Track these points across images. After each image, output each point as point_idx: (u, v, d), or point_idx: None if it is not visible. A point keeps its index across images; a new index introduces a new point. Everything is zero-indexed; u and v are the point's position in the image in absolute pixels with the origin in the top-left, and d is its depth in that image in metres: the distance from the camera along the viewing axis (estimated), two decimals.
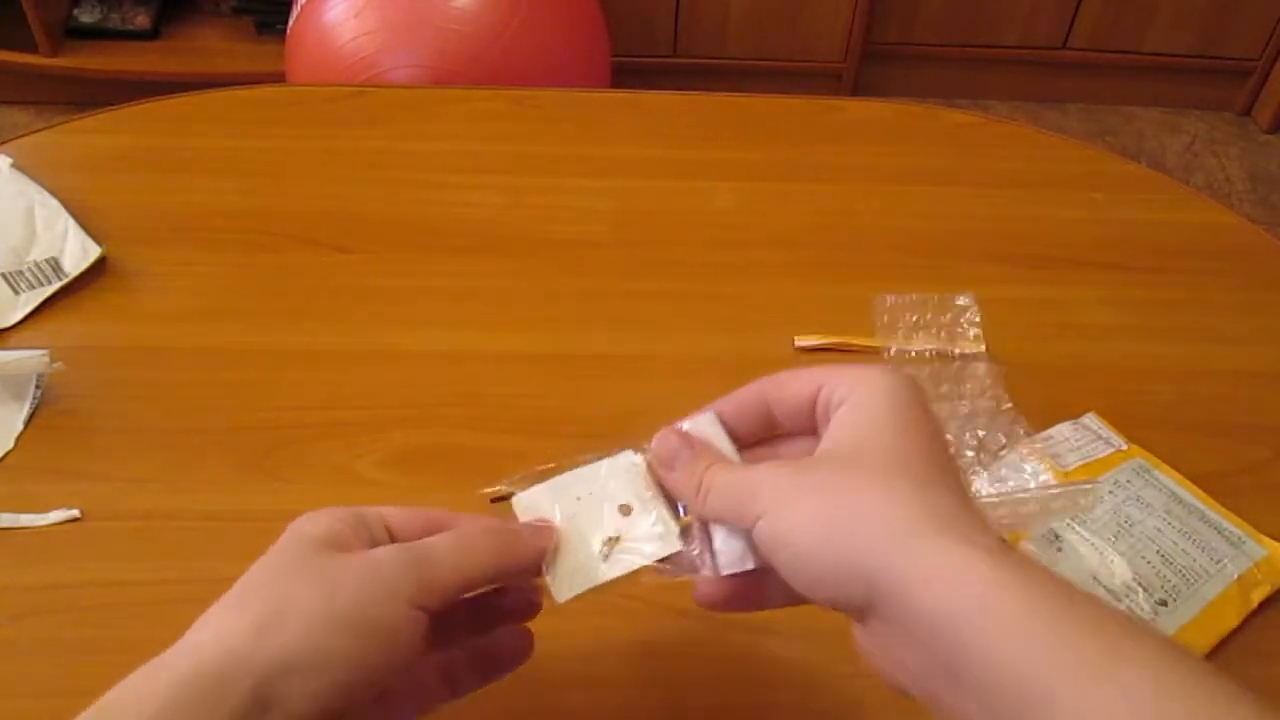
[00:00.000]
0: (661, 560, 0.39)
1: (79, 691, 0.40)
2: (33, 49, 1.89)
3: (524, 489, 0.41)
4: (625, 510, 0.40)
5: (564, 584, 0.38)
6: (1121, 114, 2.13)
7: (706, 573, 0.38)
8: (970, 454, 0.57)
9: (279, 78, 1.60)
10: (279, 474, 0.56)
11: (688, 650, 0.50)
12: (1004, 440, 0.58)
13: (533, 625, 0.43)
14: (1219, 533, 0.53)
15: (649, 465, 0.40)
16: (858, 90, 2.06)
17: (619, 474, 0.40)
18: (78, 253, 0.67)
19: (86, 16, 1.94)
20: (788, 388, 0.37)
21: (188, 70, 1.88)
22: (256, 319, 0.65)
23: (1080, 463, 0.56)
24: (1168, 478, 0.55)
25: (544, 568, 0.38)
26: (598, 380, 0.62)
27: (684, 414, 0.39)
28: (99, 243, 0.67)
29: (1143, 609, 0.49)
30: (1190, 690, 0.27)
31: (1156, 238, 0.74)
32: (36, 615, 0.50)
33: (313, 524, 0.36)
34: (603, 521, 0.39)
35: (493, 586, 0.39)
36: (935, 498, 0.32)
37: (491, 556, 0.37)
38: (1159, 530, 0.52)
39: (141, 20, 1.94)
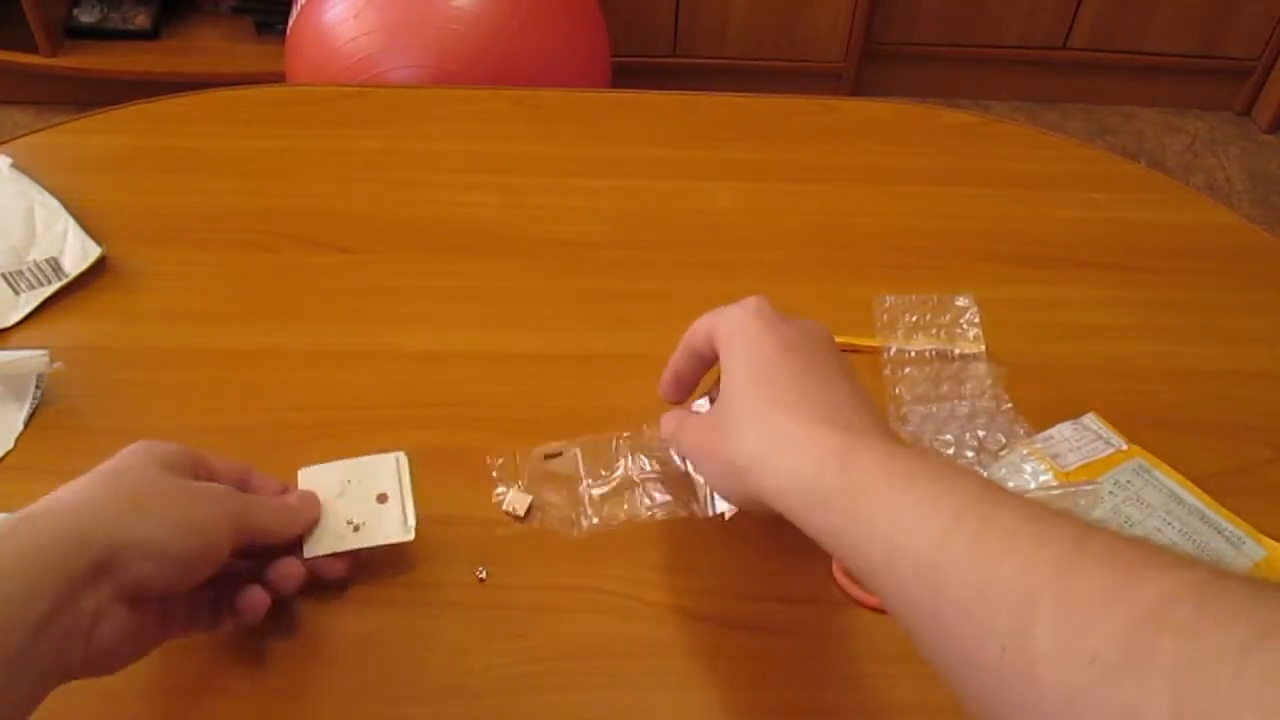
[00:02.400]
0: (666, 503, 0.55)
1: (78, 689, 0.40)
2: (33, 49, 1.89)
3: (565, 451, 0.56)
4: (383, 498, 0.51)
5: (315, 545, 0.49)
6: (1121, 114, 2.13)
7: (709, 512, 0.53)
8: (970, 454, 0.57)
9: (279, 78, 1.60)
10: (279, 474, 0.56)
11: (688, 650, 0.50)
12: (1004, 440, 0.58)
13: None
14: (1219, 533, 0.53)
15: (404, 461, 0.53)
16: (858, 90, 2.06)
17: (384, 469, 0.52)
18: (78, 253, 0.67)
19: (86, 16, 1.94)
20: (697, 335, 0.49)
21: (188, 70, 1.88)
22: (256, 319, 0.65)
23: (1080, 463, 0.56)
24: (1168, 478, 0.55)
25: (304, 533, 0.49)
26: (598, 380, 0.62)
27: None
28: (99, 243, 0.67)
29: None
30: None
31: (1156, 238, 0.74)
32: None
33: (158, 448, 0.45)
34: (359, 505, 0.50)
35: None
36: (773, 429, 0.42)
37: (284, 522, 0.48)
38: (1159, 531, 0.52)
39: (141, 20, 1.94)
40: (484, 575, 0.52)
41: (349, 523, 0.50)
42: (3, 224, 0.68)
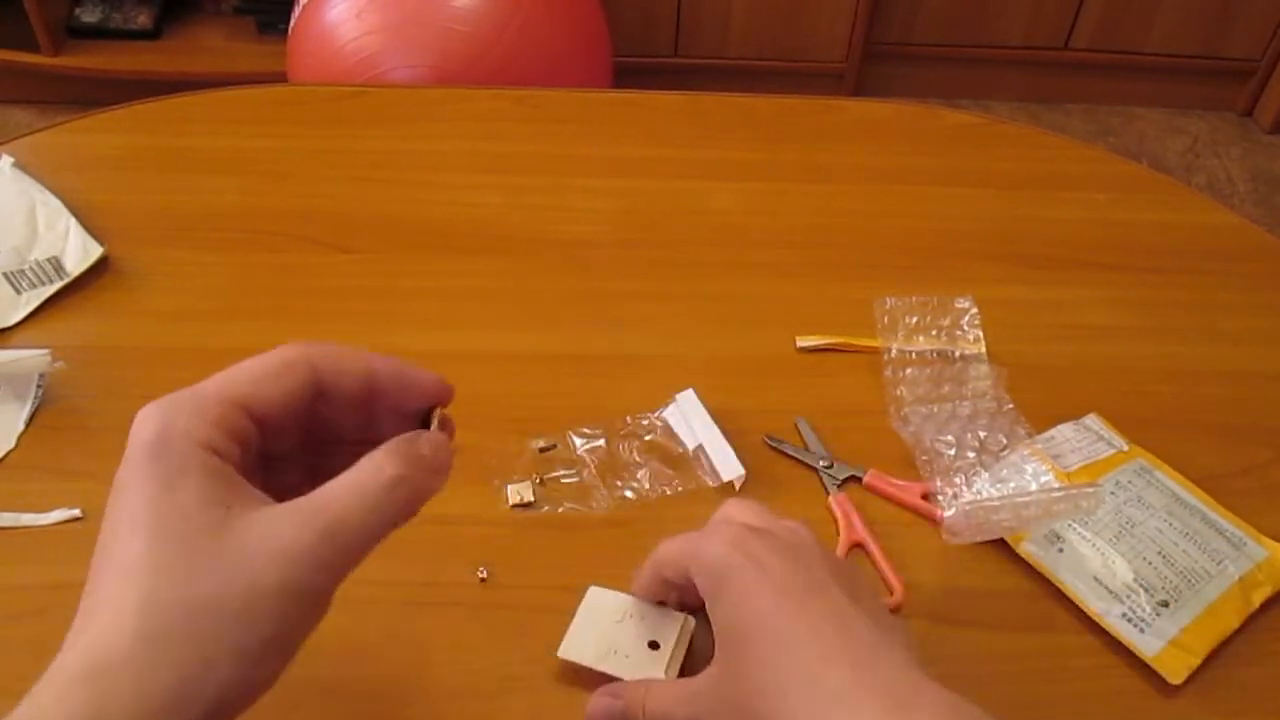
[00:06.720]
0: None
1: None
2: (34, 48, 1.89)
3: (558, 442, 0.57)
4: (654, 646, 0.47)
5: (575, 649, 0.47)
6: (1123, 114, 2.13)
7: (717, 481, 0.56)
8: (972, 455, 0.57)
9: (280, 77, 1.60)
10: None
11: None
12: (1005, 441, 0.58)
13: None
14: (1220, 534, 0.53)
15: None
16: (859, 90, 2.06)
17: (669, 621, 0.48)
18: (79, 252, 0.67)
19: (88, 16, 1.94)
20: (667, 567, 0.44)
21: (189, 70, 1.88)
22: (258, 319, 0.65)
23: (1082, 464, 0.56)
24: (1169, 479, 0.55)
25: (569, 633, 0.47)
26: (598, 380, 0.62)
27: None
28: (100, 242, 0.67)
29: (1144, 609, 0.49)
30: None
31: (1158, 238, 0.74)
32: (36, 615, 0.50)
33: (183, 454, 0.33)
34: (629, 639, 0.47)
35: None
36: (812, 689, 0.36)
37: (402, 509, 0.33)
38: (1160, 531, 0.52)
39: (143, 20, 1.94)
40: (484, 575, 0.52)
41: (613, 650, 0.47)
42: (4, 223, 0.68)
